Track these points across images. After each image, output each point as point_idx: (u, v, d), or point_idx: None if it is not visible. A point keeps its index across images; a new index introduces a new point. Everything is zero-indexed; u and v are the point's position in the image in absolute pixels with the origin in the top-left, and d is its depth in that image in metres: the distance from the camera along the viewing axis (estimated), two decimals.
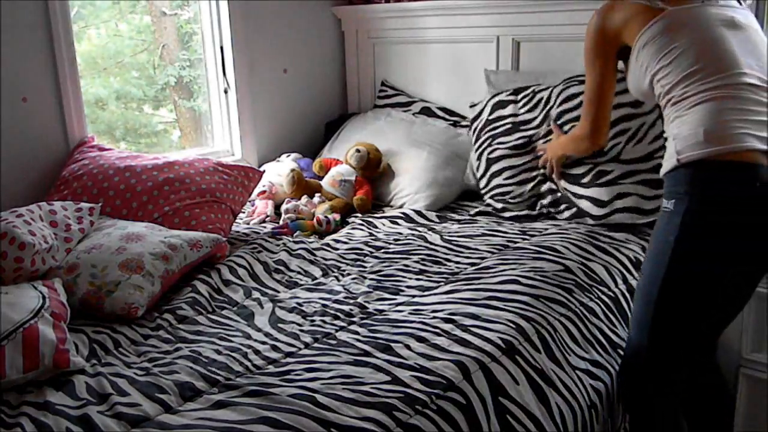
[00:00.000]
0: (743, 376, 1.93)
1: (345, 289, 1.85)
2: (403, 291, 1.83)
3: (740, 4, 1.63)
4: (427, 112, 2.95)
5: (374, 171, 2.63)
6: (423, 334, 1.53)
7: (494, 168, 2.41)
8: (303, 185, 2.62)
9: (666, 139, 1.58)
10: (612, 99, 1.80)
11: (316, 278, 1.98)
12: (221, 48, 2.82)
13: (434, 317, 1.61)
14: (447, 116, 2.91)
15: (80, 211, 1.99)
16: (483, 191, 2.47)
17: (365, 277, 1.90)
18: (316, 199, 2.57)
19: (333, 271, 2.01)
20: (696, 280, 1.48)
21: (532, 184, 2.34)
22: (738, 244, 1.44)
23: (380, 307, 1.73)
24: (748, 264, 1.50)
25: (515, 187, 2.36)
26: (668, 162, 1.52)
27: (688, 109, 1.49)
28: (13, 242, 1.69)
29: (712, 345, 1.74)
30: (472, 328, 1.55)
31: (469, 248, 2.09)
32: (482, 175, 2.46)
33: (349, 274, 1.96)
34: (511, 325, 1.56)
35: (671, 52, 1.53)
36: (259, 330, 1.65)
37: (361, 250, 2.15)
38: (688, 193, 1.45)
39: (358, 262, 2.06)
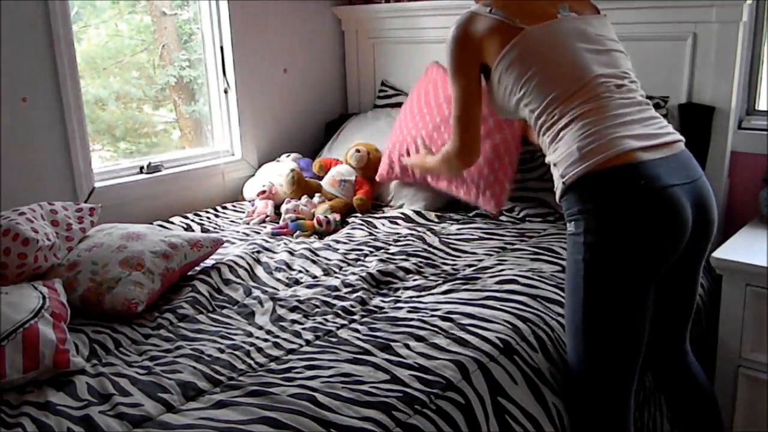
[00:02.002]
0: (743, 376, 1.93)
1: (346, 285, 1.85)
2: (402, 290, 1.84)
3: (598, 12, 1.65)
4: None
5: (374, 171, 2.64)
6: (422, 333, 1.54)
7: None
8: (303, 185, 2.62)
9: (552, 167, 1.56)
10: (480, 114, 1.69)
11: (316, 276, 1.98)
12: (221, 48, 2.82)
13: (433, 316, 1.62)
14: None
15: (81, 211, 2.00)
16: None
17: (365, 277, 1.90)
18: (316, 199, 2.57)
19: (335, 271, 2.02)
20: (614, 296, 1.44)
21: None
22: (644, 246, 1.41)
23: (380, 305, 1.73)
24: (663, 261, 1.45)
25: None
26: (557, 188, 1.51)
27: (559, 133, 1.49)
28: (17, 238, 1.70)
29: (679, 348, 1.69)
30: (470, 328, 1.55)
31: (466, 251, 2.11)
32: None
33: (353, 274, 1.96)
34: (508, 325, 1.57)
35: (531, 78, 1.52)
36: (260, 328, 1.66)
37: (362, 250, 2.15)
38: (582, 211, 1.44)
39: (359, 262, 2.06)
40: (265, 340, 1.58)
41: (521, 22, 1.52)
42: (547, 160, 1.56)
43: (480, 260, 2.01)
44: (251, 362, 1.48)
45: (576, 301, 1.47)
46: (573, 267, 1.47)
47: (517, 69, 1.53)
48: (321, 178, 2.69)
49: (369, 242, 2.22)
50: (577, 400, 1.54)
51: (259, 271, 2.01)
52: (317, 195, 2.61)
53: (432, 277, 1.90)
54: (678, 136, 1.52)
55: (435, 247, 2.14)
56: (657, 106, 2.25)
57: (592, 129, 1.44)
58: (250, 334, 1.63)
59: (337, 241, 2.25)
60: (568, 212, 1.49)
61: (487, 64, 1.59)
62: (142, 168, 2.61)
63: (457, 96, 1.66)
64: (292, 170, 2.62)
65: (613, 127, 1.44)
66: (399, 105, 3.03)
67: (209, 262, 2.03)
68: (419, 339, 1.51)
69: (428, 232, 2.27)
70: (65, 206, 1.97)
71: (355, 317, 1.68)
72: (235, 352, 1.52)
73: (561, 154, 1.48)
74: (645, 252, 1.42)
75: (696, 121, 2.27)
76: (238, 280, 1.95)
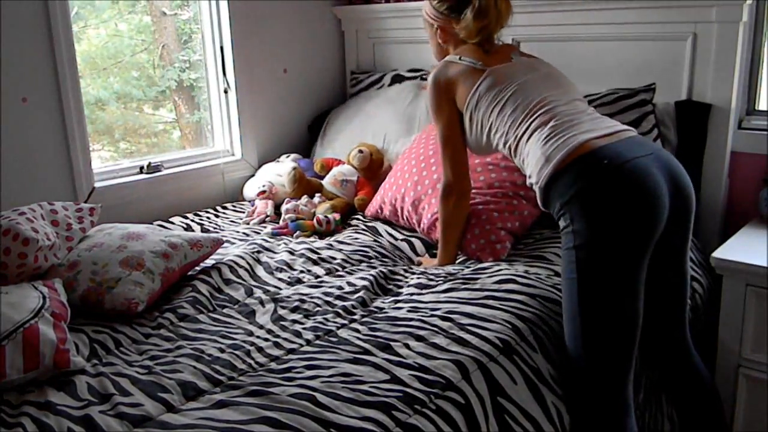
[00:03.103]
0: (743, 376, 1.93)
1: (348, 284, 1.86)
2: (402, 289, 1.85)
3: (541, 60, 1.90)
4: (398, 79, 2.98)
5: (376, 172, 2.63)
6: (421, 332, 1.54)
7: None
8: (304, 184, 2.62)
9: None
10: (464, 145, 1.88)
11: (319, 276, 1.98)
12: (221, 48, 2.82)
13: (432, 315, 1.62)
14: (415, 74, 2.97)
15: (81, 211, 2.00)
16: None
17: (365, 277, 1.91)
18: (316, 199, 2.57)
19: (337, 269, 2.02)
20: (608, 275, 1.50)
21: None
22: (628, 220, 1.48)
23: (380, 305, 1.74)
24: (650, 231, 1.50)
25: None
26: (538, 197, 1.65)
27: (525, 149, 1.67)
28: (17, 238, 1.70)
29: (681, 344, 1.73)
30: (469, 327, 1.55)
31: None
32: None
33: (351, 273, 1.96)
34: (508, 324, 1.57)
35: (496, 107, 1.73)
36: (261, 327, 1.66)
37: (362, 251, 2.15)
38: (562, 205, 1.55)
39: (362, 263, 2.06)
40: (266, 340, 1.58)
41: (484, 65, 1.80)
42: (528, 182, 1.70)
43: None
44: (251, 362, 1.48)
45: (571, 286, 1.54)
46: (566, 256, 1.55)
47: (485, 102, 1.76)
48: (322, 177, 2.69)
49: (369, 242, 2.22)
50: (577, 389, 1.56)
51: (260, 271, 2.00)
52: (317, 195, 2.60)
53: (432, 277, 1.90)
54: (629, 128, 1.67)
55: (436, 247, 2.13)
56: (643, 103, 2.26)
57: (550, 134, 1.61)
58: (250, 333, 1.63)
59: (339, 242, 2.24)
60: (555, 213, 1.60)
61: (459, 108, 1.83)
62: (142, 168, 2.61)
63: (441, 132, 1.88)
64: (294, 168, 2.62)
65: (566, 129, 1.61)
66: (372, 84, 3.05)
67: (209, 262, 2.03)
68: (419, 339, 1.51)
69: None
70: (65, 206, 1.97)
71: (355, 317, 1.68)
72: (236, 352, 1.52)
73: (532, 166, 1.64)
74: (631, 226, 1.48)
75: (693, 118, 2.27)
76: (239, 280, 1.94)
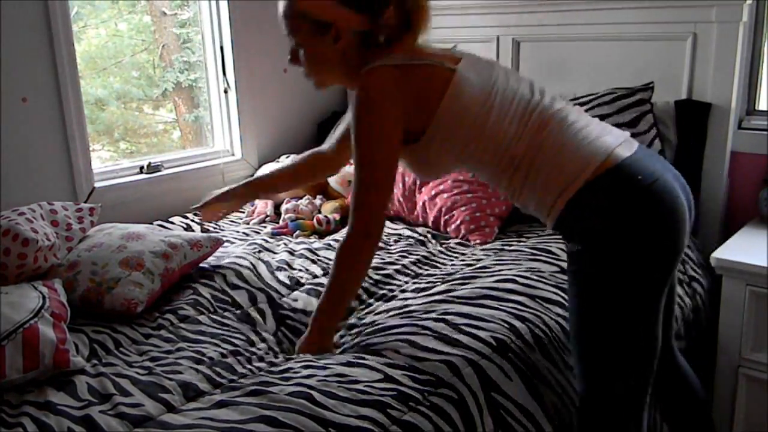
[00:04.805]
0: (743, 376, 1.93)
1: None
2: (398, 294, 1.84)
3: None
4: None
5: None
6: (414, 338, 1.51)
7: None
8: None
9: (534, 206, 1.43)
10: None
11: (317, 276, 1.97)
12: (221, 48, 2.82)
13: (426, 318, 1.60)
14: None
15: (81, 211, 2.00)
16: None
17: (365, 279, 1.90)
18: (318, 200, 2.57)
19: None
20: (640, 307, 1.36)
21: None
22: (661, 248, 1.34)
23: (374, 318, 1.70)
24: (678, 259, 1.38)
25: None
26: (549, 216, 1.39)
27: (528, 170, 1.38)
28: (17, 239, 1.70)
29: (669, 353, 1.63)
30: (464, 327, 1.54)
31: (464, 253, 2.11)
32: None
33: None
34: (505, 324, 1.56)
35: (489, 113, 1.39)
36: (261, 329, 1.66)
37: None
38: (585, 227, 1.34)
39: None
40: (264, 341, 1.57)
41: (450, 65, 1.39)
42: (520, 201, 1.45)
43: (478, 260, 2.00)
44: (251, 367, 1.49)
45: (590, 313, 1.37)
46: (581, 282, 1.37)
47: (471, 112, 1.38)
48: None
49: None
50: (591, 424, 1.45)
51: (262, 270, 2.00)
52: (319, 196, 2.61)
53: (430, 278, 1.90)
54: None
55: (435, 249, 2.13)
56: (641, 102, 2.25)
57: (570, 140, 1.37)
58: (249, 337, 1.63)
59: (338, 241, 2.24)
60: (568, 234, 1.40)
61: (418, 124, 1.41)
62: (142, 168, 2.61)
63: (374, 155, 1.41)
64: None
65: (581, 130, 1.38)
66: None
67: (210, 260, 2.03)
68: (412, 344, 1.49)
69: (428, 235, 2.27)
70: (65, 206, 1.97)
71: (352, 331, 1.67)
72: (236, 356, 1.52)
73: (541, 186, 1.38)
74: (663, 252, 1.34)
75: (693, 118, 2.27)
76: (240, 281, 1.94)
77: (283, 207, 2.52)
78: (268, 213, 2.56)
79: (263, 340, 1.65)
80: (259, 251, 2.13)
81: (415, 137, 1.42)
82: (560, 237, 1.57)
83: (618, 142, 1.38)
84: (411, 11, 1.42)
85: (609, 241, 1.33)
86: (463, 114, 1.38)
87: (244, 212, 2.65)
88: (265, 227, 2.45)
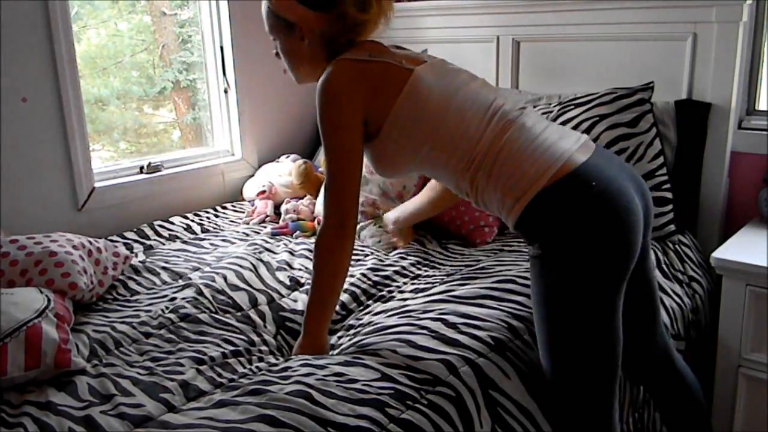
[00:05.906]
0: (743, 376, 1.93)
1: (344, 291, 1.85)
2: (396, 295, 1.84)
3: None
4: None
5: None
6: (411, 337, 1.51)
7: None
8: (312, 178, 2.61)
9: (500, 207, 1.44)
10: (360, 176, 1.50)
11: None
12: (221, 48, 2.82)
13: (424, 318, 1.60)
14: None
15: (117, 256, 1.99)
16: None
17: (363, 280, 1.91)
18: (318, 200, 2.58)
19: None
20: (595, 308, 1.38)
21: None
22: (614, 250, 1.35)
23: (372, 318, 1.70)
24: (633, 259, 1.39)
25: None
26: (509, 218, 1.42)
27: (490, 170, 1.40)
28: (66, 276, 1.72)
29: (664, 355, 1.64)
30: (461, 327, 1.54)
31: (463, 253, 2.11)
32: None
33: (351, 275, 1.96)
34: (503, 324, 1.56)
35: (447, 112, 1.43)
36: (261, 331, 1.65)
37: (363, 251, 2.15)
38: (542, 232, 1.37)
39: (359, 263, 2.06)
40: (265, 342, 1.57)
41: (407, 64, 1.45)
42: (486, 201, 1.46)
43: (478, 260, 2.00)
44: (252, 367, 1.49)
45: (550, 316, 1.40)
46: (542, 285, 1.40)
47: (426, 111, 1.43)
48: None
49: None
50: (563, 419, 1.47)
51: (263, 271, 2.00)
52: (320, 196, 2.61)
53: (429, 279, 1.90)
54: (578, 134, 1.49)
55: (434, 249, 2.14)
56: (641, 102, 2.25)
57: (527, 144, 1.39)
58: (250, 337, 1.63)
59: None
60: (528, 237, 1.42)
61: (377, 120, 1.45)
62: (142, 168, 2.61)
63: (340, 149, 1.45)
64: (305, 162, 2.62)
65: (544, 139, 1.40)
66: None
67: (211, 260, 2.02)
68: (409, 343, 1.49)
69: (428, 235, 2.27)
70: (106, 247, 1.97)
71: (351, 332, 1.67)
72: (237, 357, 1.52)
73: (502, 188, 1.40)
74: (616, 253, 1.36)
75: (693, 118, 2.27)
76: (240, 282, 1.94)
77: (283, 207, 2.52)
78: (268, 213, 2.56)
79: (264, 342, 1.65)
80: (260, 252, 2.13)
81: (374, 133, 1.47)
82: None
83: (575, 147, 1.40)
84: (366, 8, 1.47)
85: (564, 245, 1.36)
86: (418, 114, 1.43)
87: (244, 212, 2.65)
88: (265, 227, 2.45)
